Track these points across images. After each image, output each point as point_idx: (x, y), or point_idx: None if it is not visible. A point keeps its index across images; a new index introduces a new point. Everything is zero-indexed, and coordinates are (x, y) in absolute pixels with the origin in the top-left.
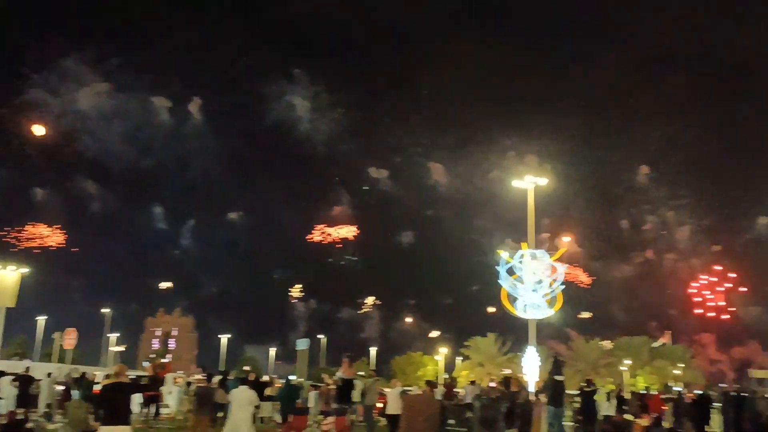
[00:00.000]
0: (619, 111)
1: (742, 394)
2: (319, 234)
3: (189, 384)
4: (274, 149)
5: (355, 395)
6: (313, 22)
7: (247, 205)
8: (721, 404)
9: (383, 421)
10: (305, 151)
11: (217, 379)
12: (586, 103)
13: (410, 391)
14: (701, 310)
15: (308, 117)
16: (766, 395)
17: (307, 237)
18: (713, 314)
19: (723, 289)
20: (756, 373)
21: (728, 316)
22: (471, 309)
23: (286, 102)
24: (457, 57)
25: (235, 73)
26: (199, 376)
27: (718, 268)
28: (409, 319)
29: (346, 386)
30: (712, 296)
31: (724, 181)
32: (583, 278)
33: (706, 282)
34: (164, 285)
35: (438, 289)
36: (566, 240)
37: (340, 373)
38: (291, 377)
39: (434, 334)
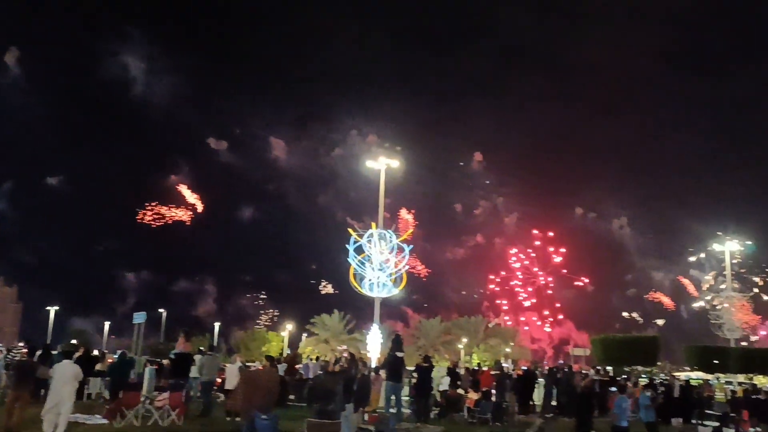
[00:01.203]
0: (464, 100)
1: (561, 370)
2: (150, 215)
3: (8, 357)
4: (104, 111)
5: (194, 370)
6: None
7: (71, 169)
8: (543, 379)
9: (222, 397)
10: (139, 116)
11: (39, 353)
12: (435, 90)
13: (251, 366)
14: (524, 294)
15: (143, 80)
16: (582, 371)
17: (138, 216)
18: (528, 297)
19: (542, 273)
20: (574, 351)
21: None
22: (310, 286)
23: (118, 61)
24: (307, 32)
25: (61, 23)
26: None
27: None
28: (248, 295)
29: (182, 361)
30: (534, 279)
31: (548, 174)
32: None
33: (528, 264)
34: None
35: (278, 266)
36: (408, 217)
37: (177, 348)
38: (125, 352)
39: (271, 310)
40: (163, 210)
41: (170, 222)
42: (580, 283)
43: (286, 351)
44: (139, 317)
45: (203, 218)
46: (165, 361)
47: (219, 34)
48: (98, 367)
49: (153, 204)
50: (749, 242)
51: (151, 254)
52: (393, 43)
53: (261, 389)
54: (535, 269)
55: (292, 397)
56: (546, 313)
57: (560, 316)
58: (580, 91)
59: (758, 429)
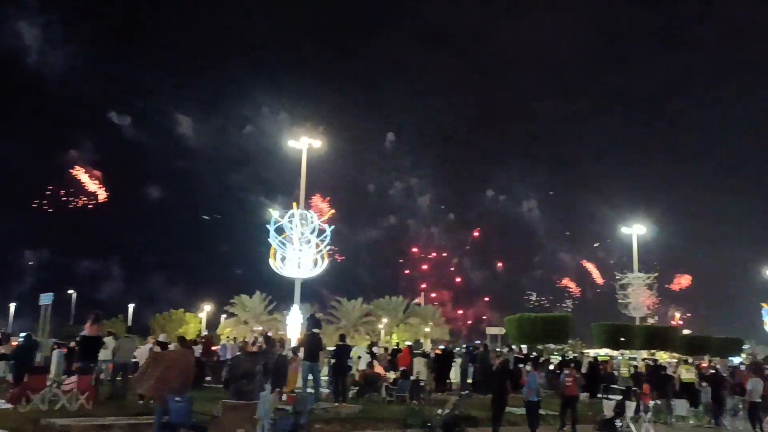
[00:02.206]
0: (379, 81)
1: (477, 349)
2: (51, 194)
3: None
4: None
5: (106, 353)
6: None
7: None
8: (460, 358)
9: None
10: (33, 87)
11: None
12: (347, 69)
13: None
14: (439, 274)
15: (38, 48)
16: (497, 349)
17: (37, 198)
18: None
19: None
20: (490, 330)
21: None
22: (222, 267)
23: (10, 28)
24: (214, 5)
25: None
26: None
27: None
28: (159, 276)
29: (90, 344)
30: (448, 260)
31: (460, 157)
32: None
33: (441, 244)
34: None
35: (189, 246)
36: (323, 206)
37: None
38: (30, 334)
39: (183, 291)
40: (64, 189)
41: (72, 201)
42: (496, 264)
43: (204, 333)
44: (46, 298)
45: (108, 197)
46: (73, 344)
47: (118, 1)
48: (1, 350)
49: (53, 182)
50: (655, 226)
51: (52, 234)
52: (310, 22)
53: (171, 370)
54: (446, 253)
55: (208, 378)
56: (460, 293)
57: (476, 297)
58: (497, 77)
59: (658, 401)
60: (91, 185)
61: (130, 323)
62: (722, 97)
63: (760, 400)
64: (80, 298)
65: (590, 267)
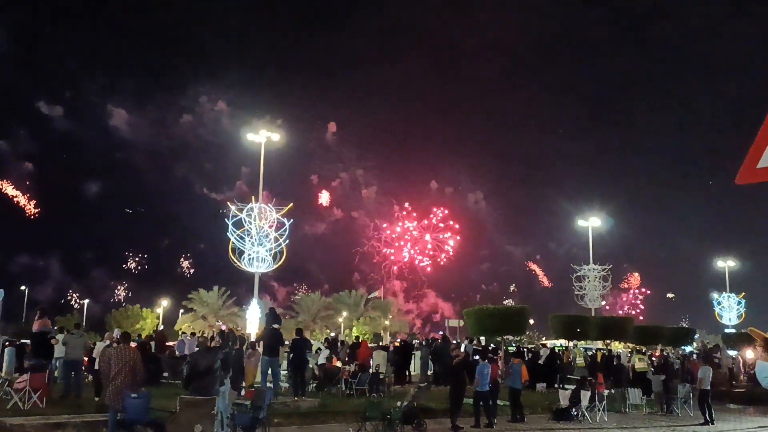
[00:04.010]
0: (323, 72)
1: (436, 341)
2: None
3: None
4: None
5: (60, 350)
6: None
7: None
8: (420, 350)
9: (91, 378)
10: None
11: None
12: (295, 59)
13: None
14: (390, 266)
15: None
16: (456, 341)
17: None
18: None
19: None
20: (450, 322)
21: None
22: (168, 262)
23: None
24: None
25: None
26: None
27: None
28: (105, 272)
29: (41, 341)
30: (398, 252)
31: (406, 149)
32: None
33: (390, 236)
34: None
35: (132, 240)
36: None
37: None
38: None
39: (125, 287)
40: None
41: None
42: (448, 252)
43: (161, 328)
44: None
45: (43, 191)
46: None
47: None
48: None
49: None
50: (610, 218)
51: None
52: (254, 8)
53: (114, 367)
54: (398, 244)
55: (166, 374)
56: (413, 284)
57: (429, 289)
58: (452, 71)
59: (612, 390)
60: (21, 199)
61: (84, 320)
62: (676, 94)
63: (709, 388)
64: (14, 295)
65: (536, 269)
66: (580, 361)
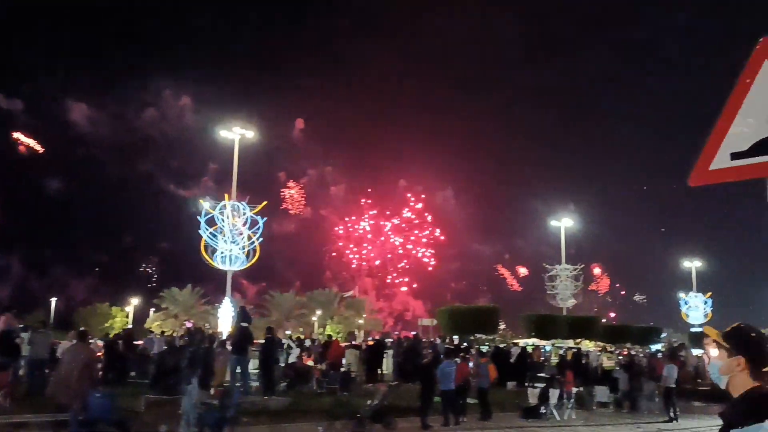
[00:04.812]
0: (289, 68)
1: (408, 339)
2: None
3: None
4: None
5: (26, 349)
6: None
7: None
8: (393, 349)
9: None
10: None
11: None
12: (262, 55)
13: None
14: (359, 264)
15: None
16: (429, 339)
17: None
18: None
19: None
20: (423, 321)
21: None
22: (131, 260)
23: None
24: None
25: None
26: None
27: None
28: (69, 270)
29: (5, 339)
30: (367, 250)
31: (375, 147)
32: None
33: (360, 234)
34: None
35: (95, 238)
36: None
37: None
38: None
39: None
40: None
41: None
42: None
43: (129, 326)
44: None
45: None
46: None
47: None
48: None
49: None
50: (582, 219)
51: None
52: (218, 5)
53: (69, 365)
54: (365, 244)
55: (133, 373)
56: (386, 282)
57: (403, 288)
58: (424, 68)
59: (581, 389)
60: None
61: (52, 318)
62: (646, 95)
63: (674, 386)
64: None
65: (506, 273)
66: (554, 359)
